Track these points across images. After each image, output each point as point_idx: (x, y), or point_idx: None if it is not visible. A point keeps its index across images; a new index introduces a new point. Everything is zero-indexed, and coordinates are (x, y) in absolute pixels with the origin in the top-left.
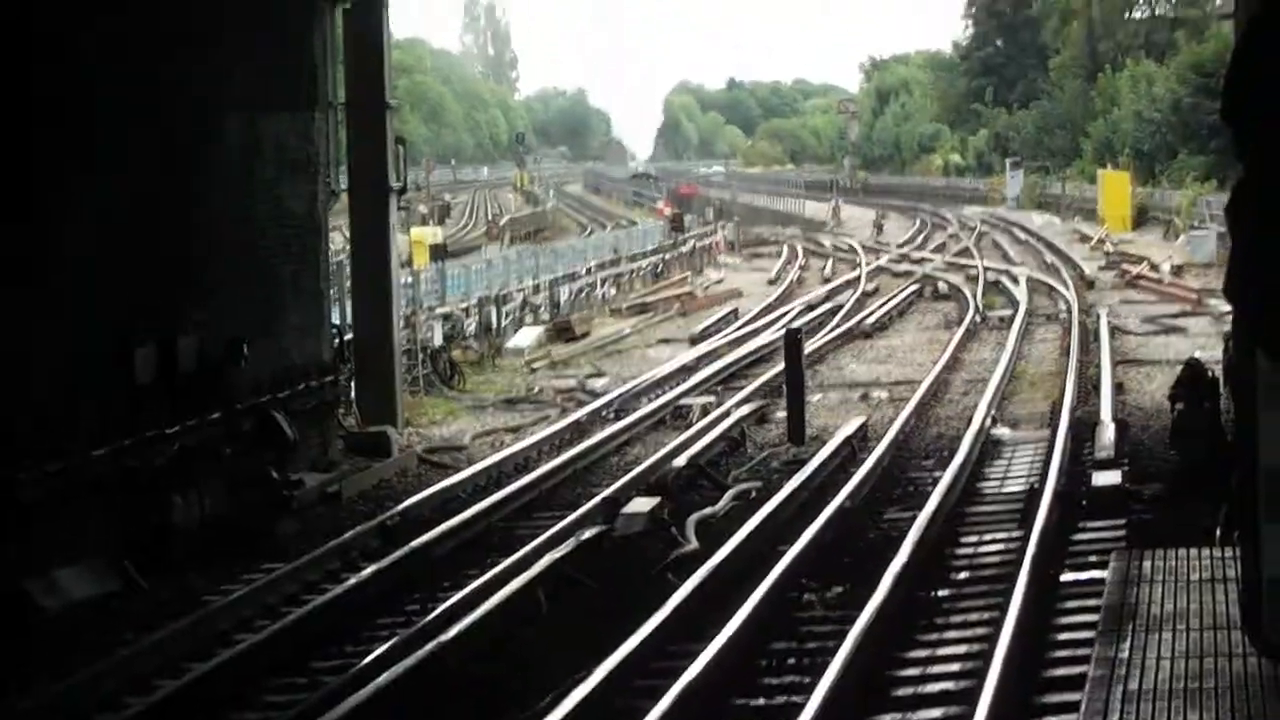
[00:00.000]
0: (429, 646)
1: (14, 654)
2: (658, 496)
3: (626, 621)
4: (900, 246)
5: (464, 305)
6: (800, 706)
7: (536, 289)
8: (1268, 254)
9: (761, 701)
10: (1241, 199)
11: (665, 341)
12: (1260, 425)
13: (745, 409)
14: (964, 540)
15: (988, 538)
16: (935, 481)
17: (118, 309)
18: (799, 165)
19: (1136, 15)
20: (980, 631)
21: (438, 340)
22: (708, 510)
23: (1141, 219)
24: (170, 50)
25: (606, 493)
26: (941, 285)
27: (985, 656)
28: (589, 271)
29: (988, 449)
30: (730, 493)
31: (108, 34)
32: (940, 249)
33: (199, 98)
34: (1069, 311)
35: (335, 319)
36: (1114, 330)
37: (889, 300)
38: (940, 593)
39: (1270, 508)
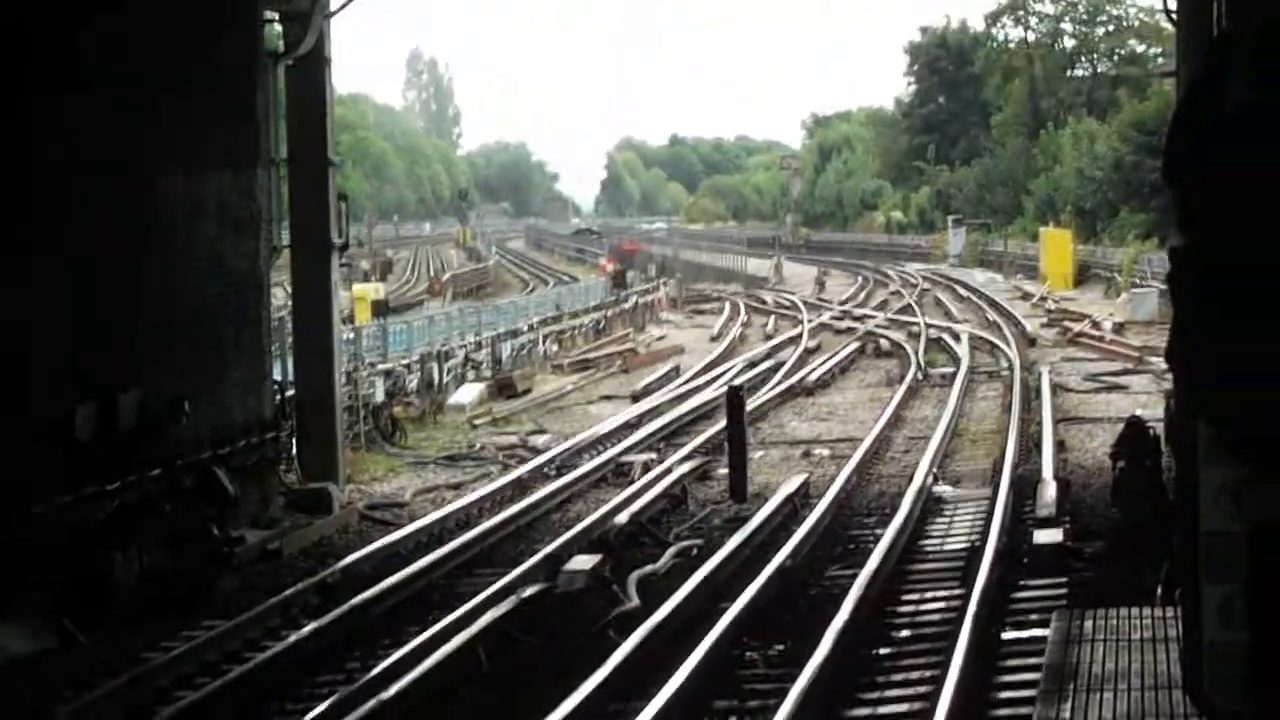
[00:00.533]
0: (370, 704)
1: None
2: (599, 554)
3: (568, 679)
4: (843, 303)
5: (406, 362)
6: None
7: (478, 345)
8: (1206, 323)
9: None
10: (1181, 266)
11: (607, 398)
12: (1201, 485)
13: (687, 466)
14: (905, 598)
15: (929, 595)
16: (877, 539)
17: (58, 367)
18: (741, 222)
19: (1078, 73)
20: (922, 690)
21: (379, 396)
22: (649, 567)
23: (1083, 276)
24: (113, 108)
25: (548, 550)
26: (884, 342)
27: (927, 715)
28: (531, 328)
29: (929, 506)
30: (672, 550)
31: (53, 92)
32: (882, 306)
33: (141, 156)
34: (1011, 369)
35: (277, 375)
36: (1056, 388)
37: (831, 357)
38: (882, 651)
39: (1210, 568)
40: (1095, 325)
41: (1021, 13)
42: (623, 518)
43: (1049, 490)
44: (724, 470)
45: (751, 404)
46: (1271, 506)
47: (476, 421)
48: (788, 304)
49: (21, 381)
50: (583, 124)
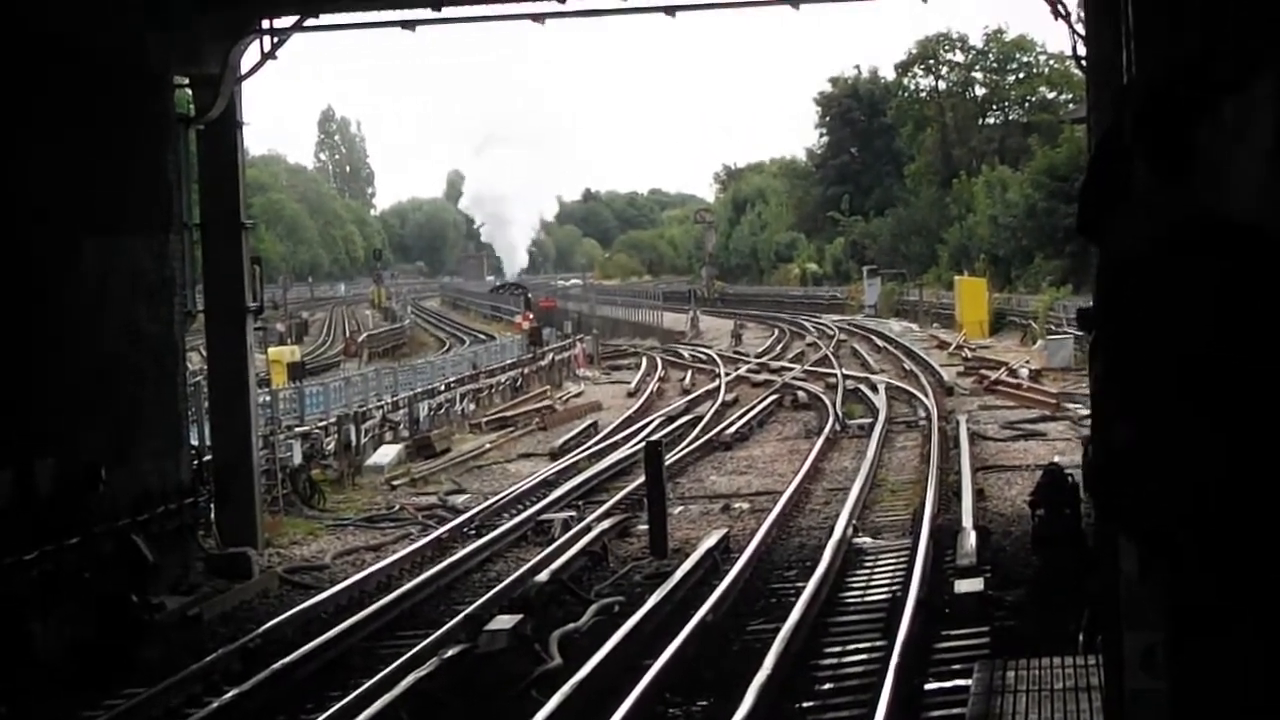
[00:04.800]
0: None
1: None
2: (520, 613)
3: None
4: (759, 356)
5: (323, 424)
6: None
7: (395, 406)
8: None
9: None
10: (1095, 343)
11: (526, 456)
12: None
13: (607, 523)
14: (828, 651)
15: (851, 648)
16: (798, 592)
17: None
18: (657, 276)
19: (990, 121)
20: None
21: (297, 459)
22: (571, 626)
23: (999, 324)
24: (24, 175)
25: (469, 610)
26: (801, 394)
27: None
28: (448, 387)
29: (850, 558)
30: (593, 608)
31: None
32: (799, 358)
33: (52, 222)
34: (929, 418)
35: (194, 440)
36: (974, 436)
37: (749, 410)
38: (805, 704)
39: (1131, 616)
40: (1012, 373)
41: (932, 62)
42: (543, 576)
43: (969, 539)
44: (644, 526)
45: (670, 459)
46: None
47: (395, 482)
48: (705, 358)
49: None
50: (500, 181)
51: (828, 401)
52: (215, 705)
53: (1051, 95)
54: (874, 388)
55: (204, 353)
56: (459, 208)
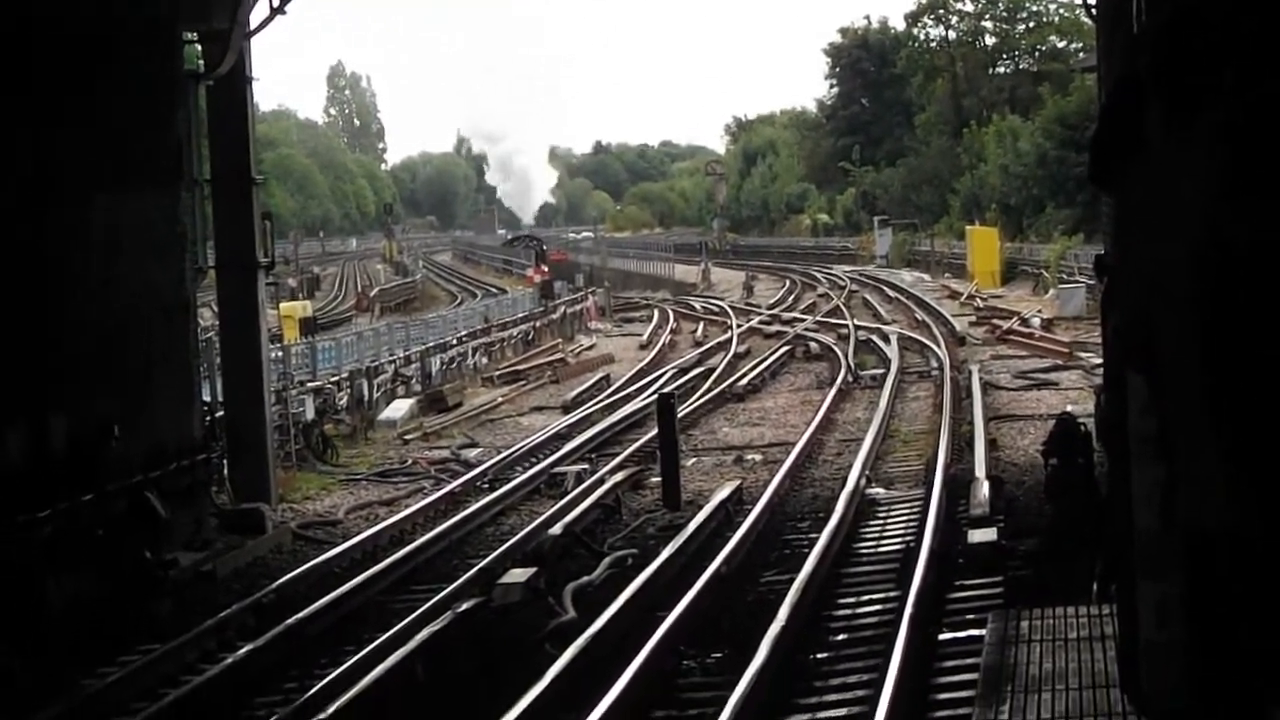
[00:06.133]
0: None
1: None
2: (534, 566)
3: (505, 693)
4: (771, 307)
5: (335, 379)
6: None
7: (408, 360)
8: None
9: None
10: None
11: (538, 409)
12: (1133, 481)
13: (620, 475)
14: (842, 601)
15: (865, 599)
16: (811, 544)
17: None
18: (668, 228)
19: (1000, 70)
20: (860, 694)
21: (309, 415)
22: (584, 579)
23: (1011, 274)
24: (34, 132)
25: (483, 564)
26: (813, 345)
27: (866, 718)
28: (460, 341)
29: (863, 509)
30: (607, 560)
31: None
32: (811, 309)
33: (62, 179)
34: (941, 369)
35: (206, 396)
36: (986, 386)
37: (761, 362)
38: (819, 655)
39: (1145, 565)
40: (1024, 322)
41: (942, 11)
42: (557, 529)
43: (982, 489)
44: (657, 479)
45: (683, 411)
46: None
47: (408, 437)
48: (716, 310)
49: None
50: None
51: (840, 352)
52: (229, 661)
53: (1062, 44)
54: (886, 338)
55: (215, 309)
56: (472, 155)
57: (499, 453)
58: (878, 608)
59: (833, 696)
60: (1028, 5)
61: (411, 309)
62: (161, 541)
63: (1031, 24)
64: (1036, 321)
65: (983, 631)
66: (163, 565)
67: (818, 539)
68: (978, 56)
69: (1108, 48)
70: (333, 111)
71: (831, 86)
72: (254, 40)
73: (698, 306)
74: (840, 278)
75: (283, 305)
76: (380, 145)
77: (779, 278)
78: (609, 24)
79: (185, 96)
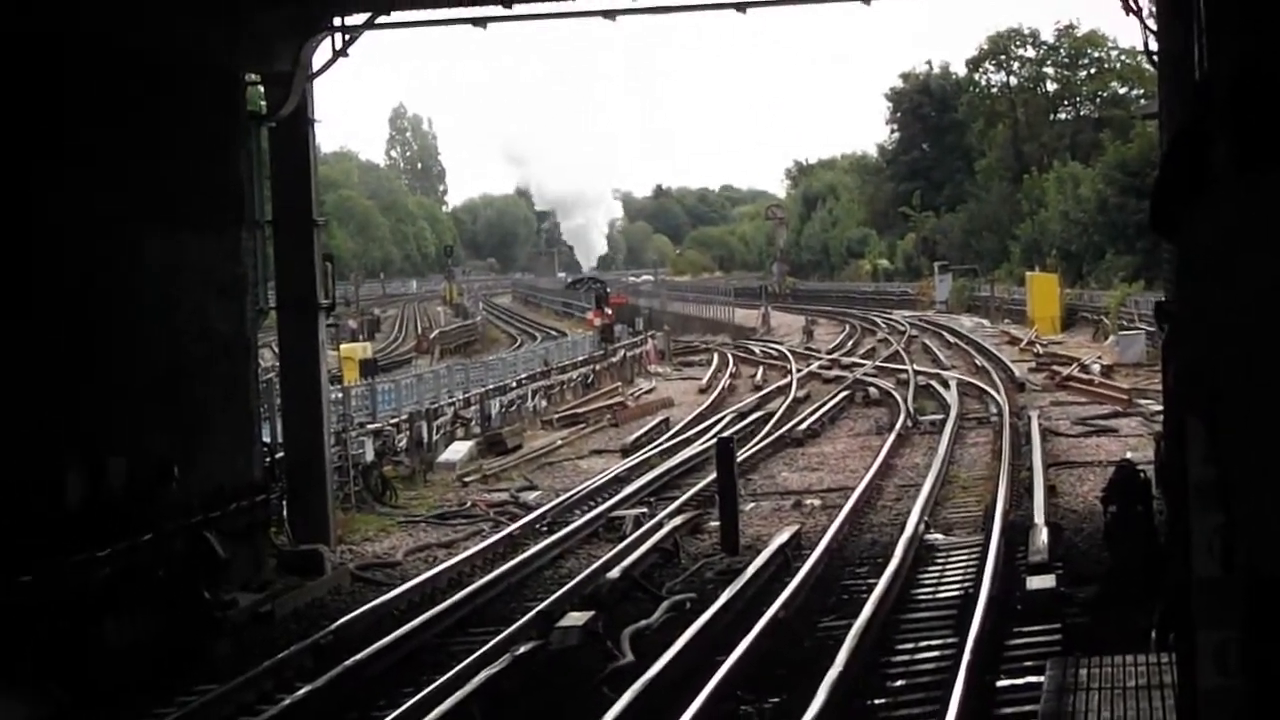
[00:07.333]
0: None
1: None
2: (592, 610)
3: None
4: (830, 352)
5: (395, 420)
6: None
7: (467, 402)
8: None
9: None
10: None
11: (597, 453)
12: (1193, 529)
13: (678, 519)
14: (900, 647)
15: (923, 644)
16: (870, 589)
17: (47, 431)
18: (728, 272)
19: (1061, 116)
20: None
21: (369, 456)
22: (643, 622)
23: (1070, 320)
24: (94, 173)
25: (541, 607)
26: (872, 390)
27: None
28: (519, 384)
29: (921, 555)
30: (665, 604)
31: (46, 168)
32: (870, 354)
33: (126, 219)
34: (1000, 414)
35: (266, 437)
36: (1045, 432)
37: (820, 407)
38: (877, 701)
39: (1204, 614)
40: (1084, 368)
41: (1003, 57)
42: (615, 573)
43: (1041, 536)
44: (715, 523)
45: (741, 455)
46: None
47: (467, 479)
48: (776, 354)
49: (10, 446)
50: (573, 176)
51: (899, 397)
52: (288, 702)
53: (1123, 90)
54: (945, 384)
55: (276, 349)
56: (529, 201)
57: (558, 495)
58: (936, 654)
59: None
60: (1089, 52)
61: (471, 351)
62: (220, 582)
63: (1093, 70)
64: (1096, 368)
65: (1041, 679)
66: (221, 606)
67: (876, 584)
68: (1039, 102)
69: (1169, 95)
70: (394, 154)
71: (892, 131)
72: (316, 82)
73: (757, 351)
74: (900, 323)
75: (343, 347)
76: (441, 187)
77: (839, 322)
78: (671, 69)
79: (248, 138)
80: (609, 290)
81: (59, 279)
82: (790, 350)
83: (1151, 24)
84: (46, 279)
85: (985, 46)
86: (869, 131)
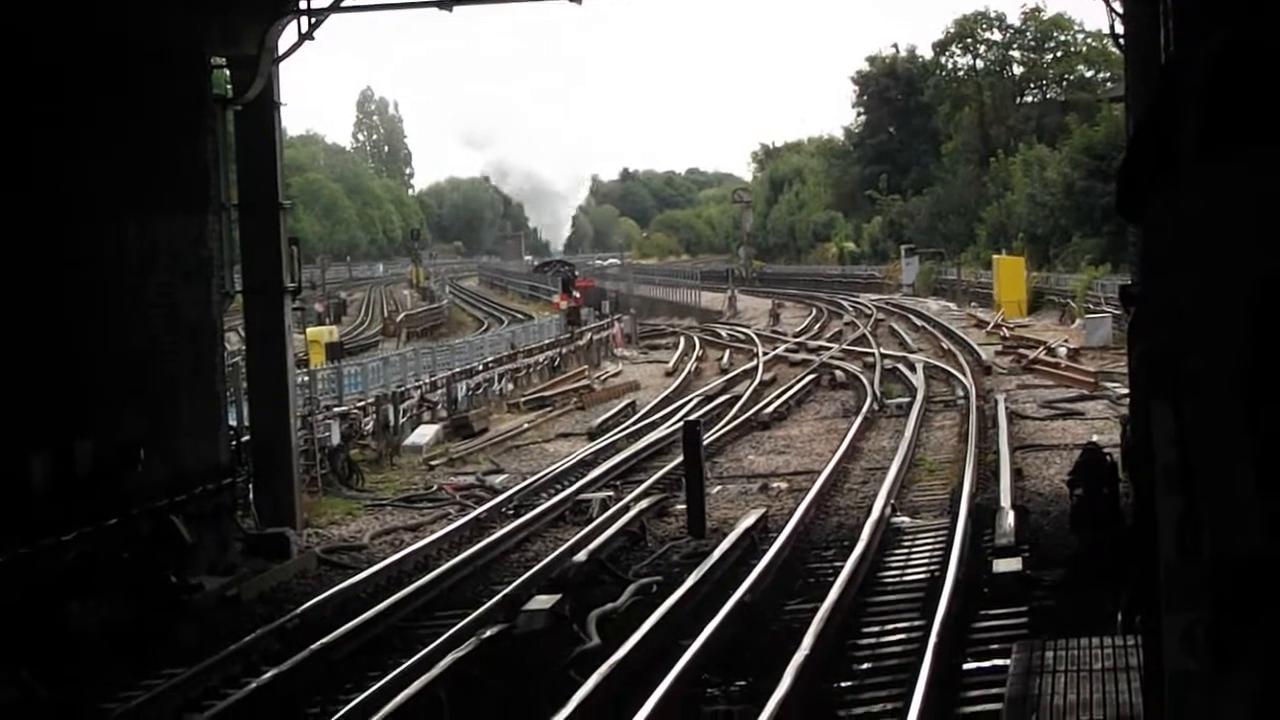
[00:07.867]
0: None
1: None
2: (558, 593)
3: None
4: (797, 335)
5: (361, 404)
6: None
7: (434, 386)
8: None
9: None
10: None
11: (564, 436)
12: (1159, 511)
13: (645, 502)
14: (866, 630)
15: (889, 627)
16: (836, 572)
17: (11, 415)
18: (695, 256)
19: (1028, 99)
20: None
21: (335, 440)
22: (609, 606)
23: (1037, 303)
24: (62, 157)
25: (507, 590)
26: (839, 373)
27: None
28: (486, 367)
29: (888, 538)
30: (631, 588)
31: (12, 152)
32: (837, 337)
33: (91, 202)
34: (967, 398)
35: (232, 420)
36: (1012, 415)
37: (787, 390)
38: (843, 684)
39: (1170, 597)
40: (1050, 352)
41: (970, 40)
42: (581, 556)
43: (1007, 519)
44: (682, 506)
45: (708, 438)
46: None
47: (433, 462)
48: (743, 337)
49: None
50: (536, 161)
51: (865, 381)
52: (254, 685)
53: (1089, 74)
54: (912, 367)
55: (242, 333)
56: (495, 185)
57: (524, 479)
58: (902, 637)
59: None
60: (1056, 35)
61: (438, 334)
62: (186, 565)
63: (1059, 54)
64: (1062, 351)
65: (1007, 662)
66: (187, 589)
67: (842, 567)
68: (1005, 86)
69: (1135, 78)
70: (360, 137)
71: (859, 115)
72: (282, 66)
73: (724, 334)
74: (866, 306)
75: (309, 330)
76: (407, 171)
77: (805, 306)
78: (637, 51)
79: (213, 121)
80: (576, 274)
81: (25, 262)
82: (757, 333)
83: (1118, 7)
84: (12, 262)
85: (952, 29)
86: (835, 115)
